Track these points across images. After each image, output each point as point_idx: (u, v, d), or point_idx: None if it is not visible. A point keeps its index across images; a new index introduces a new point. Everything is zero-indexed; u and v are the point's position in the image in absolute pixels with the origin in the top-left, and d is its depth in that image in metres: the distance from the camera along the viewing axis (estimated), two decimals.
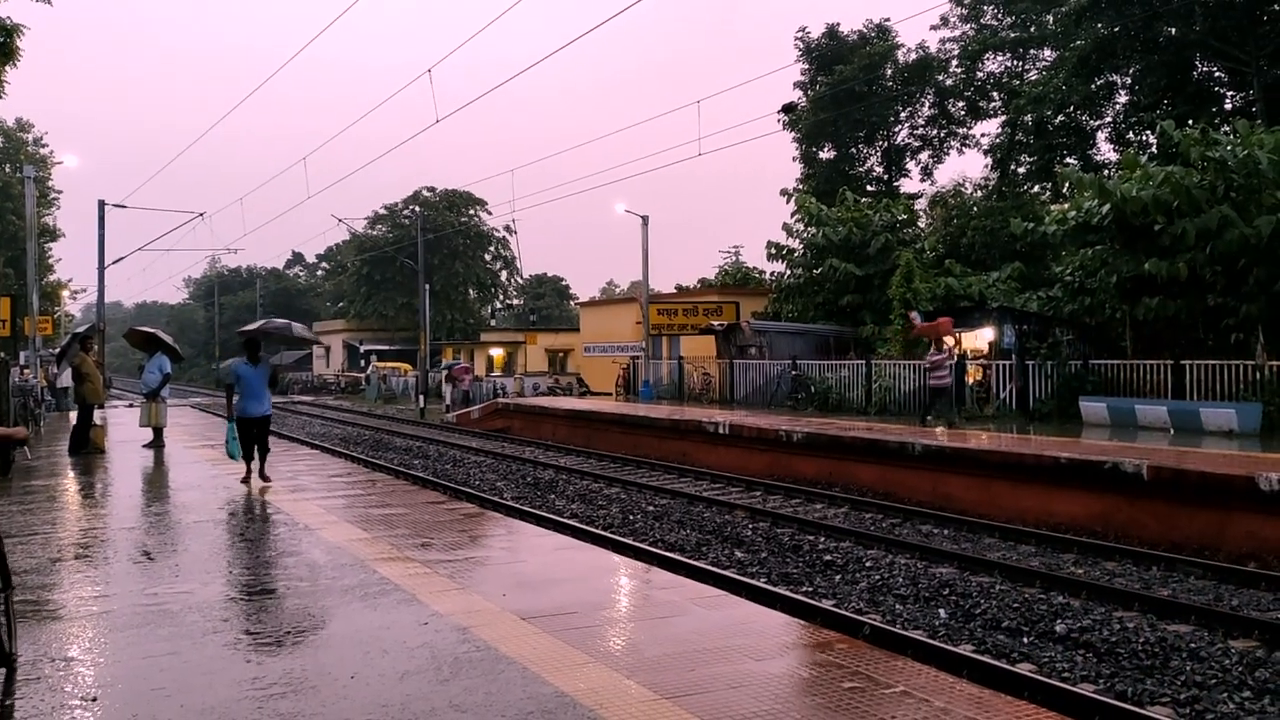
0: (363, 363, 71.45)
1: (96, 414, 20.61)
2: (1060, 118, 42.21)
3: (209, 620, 7.03)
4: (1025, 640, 9.63)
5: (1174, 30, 36.36)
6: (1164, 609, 10.46)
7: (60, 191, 56.10)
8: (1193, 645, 9.27)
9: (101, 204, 38.62)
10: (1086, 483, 15.65)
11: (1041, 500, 16.32)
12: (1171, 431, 20.92)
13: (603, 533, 14.98)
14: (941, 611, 10.67)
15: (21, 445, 7.13)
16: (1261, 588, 11.61)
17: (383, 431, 35.72)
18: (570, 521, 16.02)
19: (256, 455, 14.78)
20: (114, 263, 40.86)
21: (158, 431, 20.43)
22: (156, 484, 15.56)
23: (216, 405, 51.73)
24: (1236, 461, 15.25)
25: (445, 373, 47.70)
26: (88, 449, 19.45)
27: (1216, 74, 37.38)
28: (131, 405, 21.70)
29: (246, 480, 14.72)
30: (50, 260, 54.96)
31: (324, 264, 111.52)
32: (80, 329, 24.02)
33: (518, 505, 17.81)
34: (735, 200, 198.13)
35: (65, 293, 59.32)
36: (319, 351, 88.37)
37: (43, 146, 55.42)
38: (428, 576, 8.40)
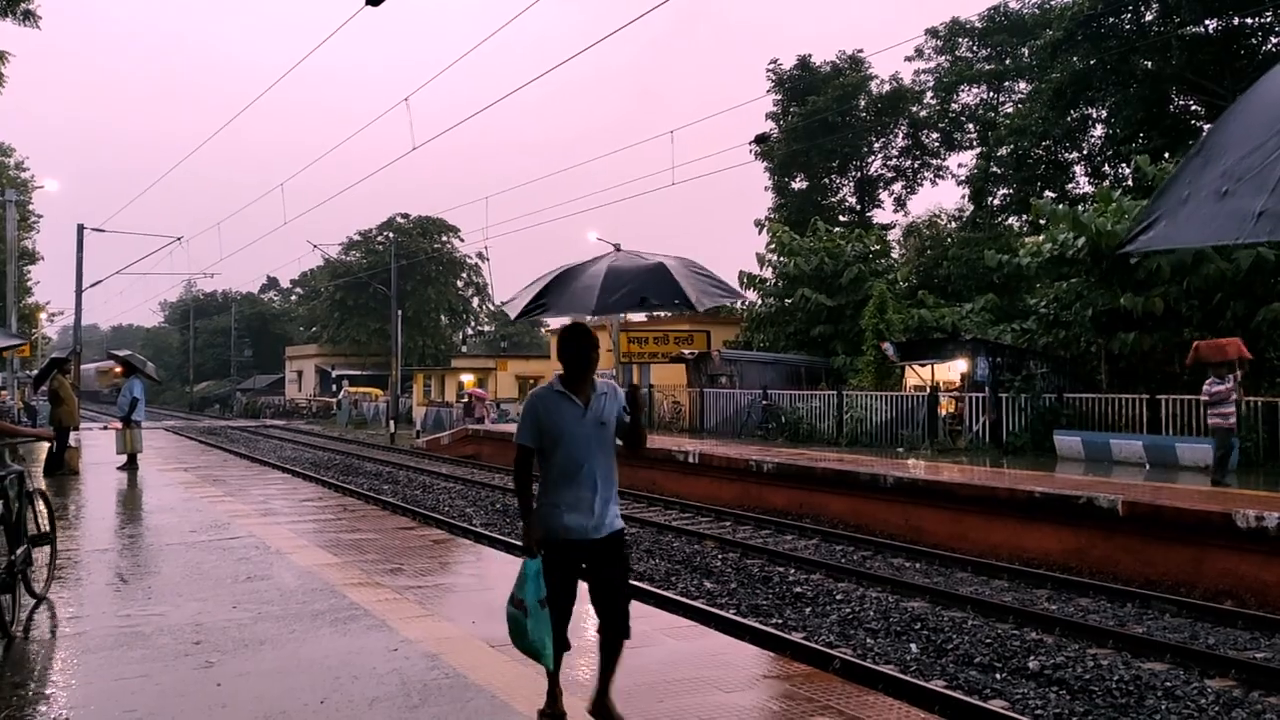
0: (334, 387, 71.22)
1: (71, 436, 20.55)
2: (1038, 150, 42.57)
3: (180, 643, 7.04)
4: (998, 676, 9.60)
5: (1150, 64, 36.78)
6: (1139, 646, 10.41)
7: (40, 215, 55.93)
8: (1168, 684, 9.21)
9: (80, 228, 38.48)
10: (1061, 518, 15.63)
11: (1015, 535, 16.33)
12: (1147, 466, 20.95)
13: None
14: (913, 646, 10.63)
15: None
16: (1238, 626, 11.57)
17: (353, 456, 35.61)
18: None
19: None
20: (91, 286, 40.64)
21: (132, 455, 20.37)
22: (130, 506, 15.50)
23: (190, 428, 51.54)
24: (1212, 497, 15.27)
25: (465, 401, 47.45)
26: (62, 471, 19.40)
27: (1193, 107, 37.83)
28: (106, 428, 21.60)
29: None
30: (29, 283, 54.75)
31: (298, 289, 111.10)
32: (57, 354, 23.95)
33: (487, 532, 17.78)
34: (708, 230, 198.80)
35: (43, 315, 59.06)
36: (291, 376, 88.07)
37: (24, 170, 55.23)
38: (397, 602, 8.42)
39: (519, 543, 16.36)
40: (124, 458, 20.42)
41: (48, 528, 8.97)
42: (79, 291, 39.03)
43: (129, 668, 6.49)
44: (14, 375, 32.00)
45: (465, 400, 47.35)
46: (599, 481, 5.31)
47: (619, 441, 5.50)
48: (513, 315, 5.90)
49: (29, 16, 17.24)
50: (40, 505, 8.93)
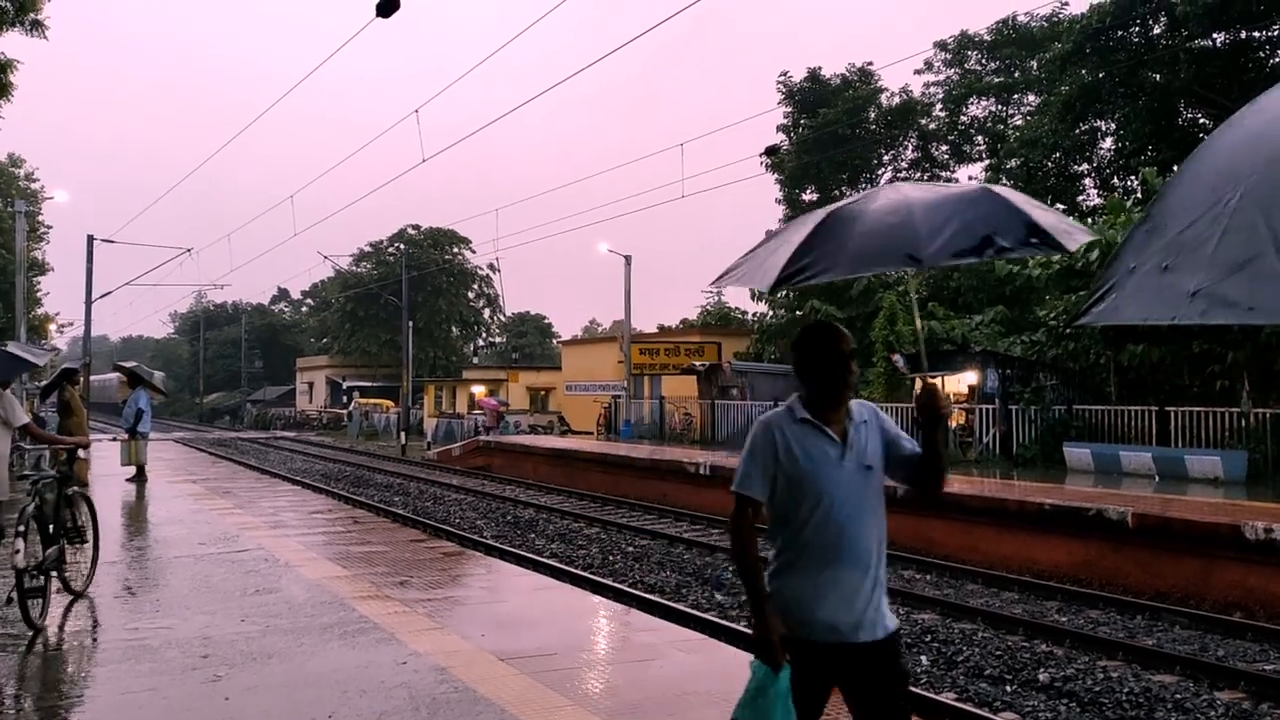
0: (345, 399, 71.27)
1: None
2: (1048, 163, 42.48)
3: (188, 656, 7.01)
4: (1008, 689, 9.57)
5: (1158, 76, 36.71)
6: (1149, 658, 10.38)
7: (50, 226, 56.00)
8: (1178, 696, 9.19)
9: (90, 239, 38.57)
10: (1070, 529, 15.60)
11: (1025, 547, 16.28)
12: (1156, 478, 20.93)
13: (582, 573, 14.93)
14: (924, 658, 10.61)
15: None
16: (1247, 638, 11.53)
17: (364, 468, 35.61)
18: (550, 561, 15.97)
19: None
20: (101, 297, 40.73)
21: (140, 467, 20.33)
22: (138, 518, 15.51)
23: (200, 440, 51.59)
24: (1222, 510, 15.24)
25: (493, 410, 47.21)
26: (71, 483, 19.35)
27: (1201, 120, 37.70)
28: (115, 439, 21.60)
29: None
30: (39, 294, 54.78)
31: (309, 300, 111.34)
32: (68, 364, 23.94)
33: (497, 544, 17.75)
34: (719, 240, 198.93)
35: (52, 326, 59.10)
36: (302, 387, 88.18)
37: (34, 181, 55.36)
38: (407, 615, 8.39)
39: (531, 556, 16.45)
40: (132, 469, 20.38)
41: (88, 529, 9.62)
42: (89, 302, 39.11)
43: (136, 681, 6.47)
44: (23, 386, 32.03)
45: (492, 409, 46.79)
46: (869, 556, 3.73)
47: (895, 484, 3.99)
48: (764, 285, 3.75)
49: (36, 26, 17.22)
50: (84, 508, 9.65)
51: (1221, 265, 2.04)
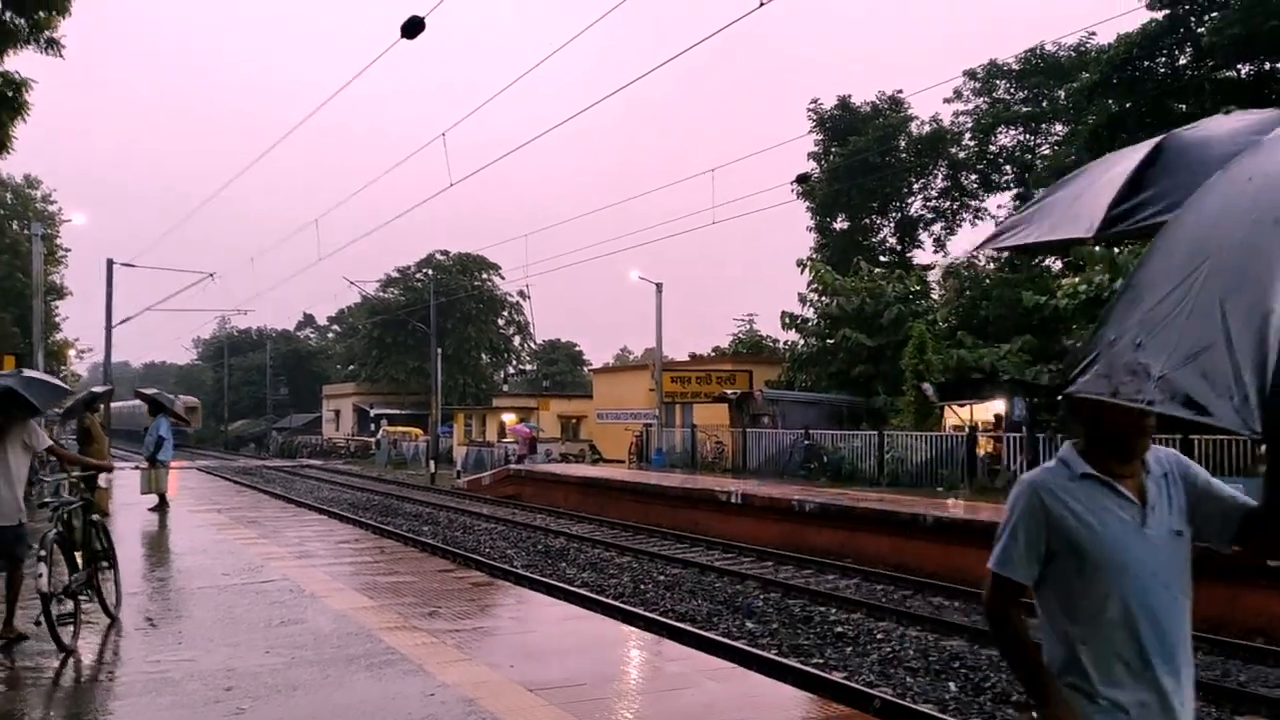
0: (373, 426, 71.40)
1: (101, 477, 20.55)
2: None
3: (211, 689, 6.97)
4: (1035, 715, 9.51)
5: (1184, 107, 36.62)
6: None
7: (68, 249, 56.17)
8: None
9: (110, 263, 38.78)
10: None
11: None
12: None
13: (613, 602, 14.86)
14: (952, 685, 10.59)
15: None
16: (1269, 664, 11.56)
17: (392, 497, 35.64)
18: (580, 591, 15.91)
19: None
20: (122, 322, 40.87)
21: (161, 496, 20.30)
22: (160, 548, 15.50)
23: (225, 468, 51.78)
24: None
25: (525, 438, 46.59)
26: (92, 511, 19.33)
27: None
28: (137, 468, 21.61)
29: None
30: (57, 319, 54.96)
31: (335, 326, 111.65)
32: (96, 388, 23.96)
33: (527, 574, 17.70)
34: (750, 268, 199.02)
35: (72, 351, 59.25)
36: (328, 415, 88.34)
37: (51, 203, 55.60)
38: (435, 646, 8.34)
39: (562, 585, 16.41)
40: (154, 498, 20.34)
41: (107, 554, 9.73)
42: (109, 328, 39.24)
43: (158, 715, 6.43)
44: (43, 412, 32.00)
45: (525, 437, 46.32)
46: (1182, 653, 2.86)
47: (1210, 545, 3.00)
48: (1080, 232, 2.76)
49: (52, 45, 17.22)
50: (104, 536, 9.70)
51: (1180, 351, 1.94)
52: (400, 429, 65.77)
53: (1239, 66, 35.44)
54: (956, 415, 30.55)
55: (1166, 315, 2.01)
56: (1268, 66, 35.15)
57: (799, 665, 10.92)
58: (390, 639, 8.58)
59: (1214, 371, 1.87)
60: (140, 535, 16.88)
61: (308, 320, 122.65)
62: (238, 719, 6.30)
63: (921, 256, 52.87)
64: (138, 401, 26.42)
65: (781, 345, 51.04)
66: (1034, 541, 2.82)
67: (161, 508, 20.09)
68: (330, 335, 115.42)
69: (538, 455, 44.01)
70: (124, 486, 23.33)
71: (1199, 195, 2.16)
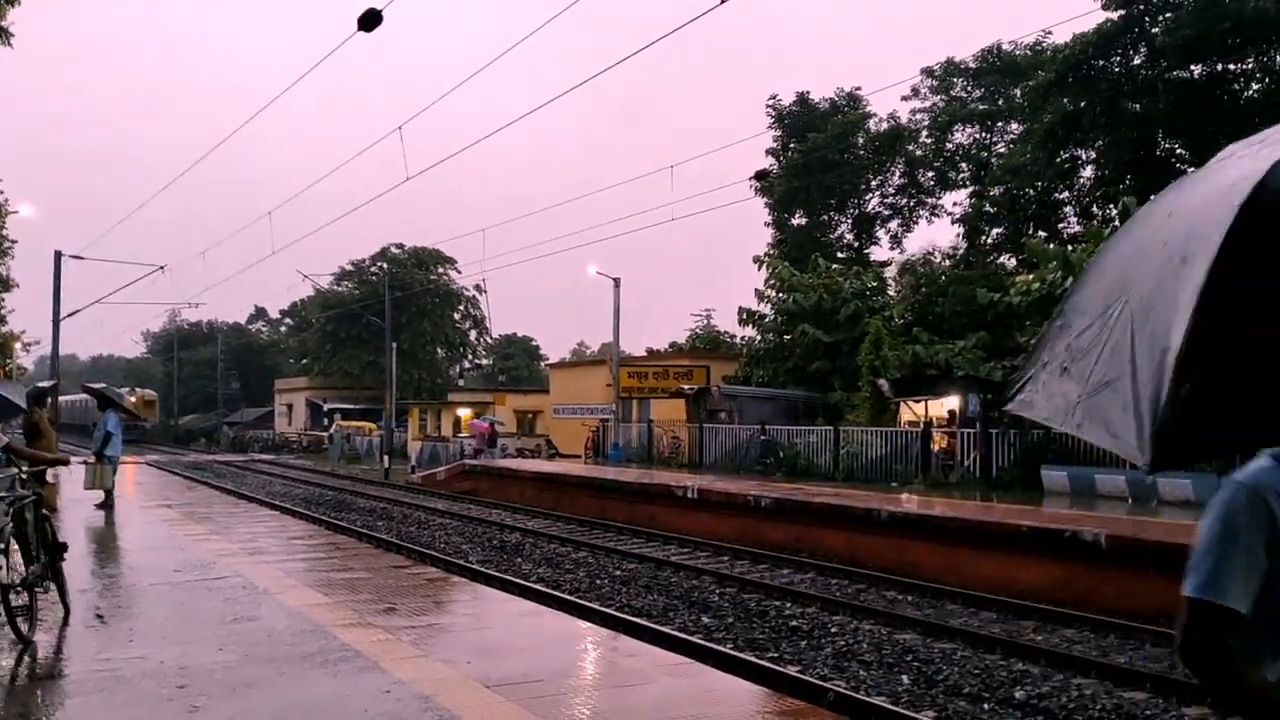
0: (326, 421, 70.89)
1: (49, 472, 20.27)
2: (1030, 190, 42.77)
3: (164, 687, 6.91)
4: (985, 707, 9.72)
5: (1138, 107, 37.09)
6: (1121, 676, 10.58)
7: (14, 241, 55.30)
8: (1149, 713, 9.44)
9: (58, 255, 38.26)
10: (1047, 551, 15.80)
11: (1003, 567, 16.39)
12: (1130, 500, 21.32)
13: (569, 598, 14.88)
14: (904, 678, 10.72)
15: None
16: None
17: (346, 492, 35.46)
18: (537, 586, 15.92)
19: None
20: (70, 315, 40.16)
21: (108, 492, 19.99)
22: (110, 544, 15.31)
23: (175, 463, 51.31)
24: (1191, 531, 15.29)
25: (483, 433, 46.18)
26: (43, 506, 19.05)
27: (1179, 150, 38.10)
28: (85, 462, 21.29)
29: None
30: (3, 311, 54.06)
31: (288, 319, 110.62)
32: (43, 384, 23.62)
33: (483, 569, 17.67)
34: (708, 264, 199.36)
35: (18, 345, 58.29)
36: (280, 409, 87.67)
37: None
38: (390, 643, 8.33)
39: (518, 581, 16.41)
40: (99, 495, 20.02)
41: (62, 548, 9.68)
42: (56, 321, 38.62)
43: (109, 714, 6.37)
44: None
45: (482, 432, 45.97)
46: None
47: None
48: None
49: (2, 34, 16.97)
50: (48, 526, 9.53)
51: (1095, 380, 1.97)
52: (354, 424, 65.35)
53: (1192, 67, 35.93)
54: (911, 411, 30.82)
55: (1089, 345, 2.05)
56: (1220, 67, 35.66)
57: (754, 659, 11.00)
58: (345, 636, 8.55)
59: (1121, 403, 1.91)
60: (89, 531, 16.65)
61: (260, 313, 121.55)
62: (191, 717, 6.26)
63: (879, 253, 53.26)
64: (80, 396, 26.13)
65: (739, 341, 51.23)
66: (1256, 559, 2.17)
67: (107, 504, 19.78)
68: (283, 329, 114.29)
69: (496, 450, 43.91)
70: (71, 482, 23.05)
71: (1129, 225, 2.24)
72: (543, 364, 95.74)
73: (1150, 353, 1.85)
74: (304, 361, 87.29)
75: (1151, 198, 2.22)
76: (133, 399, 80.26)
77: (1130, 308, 1.96)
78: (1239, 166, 1.90)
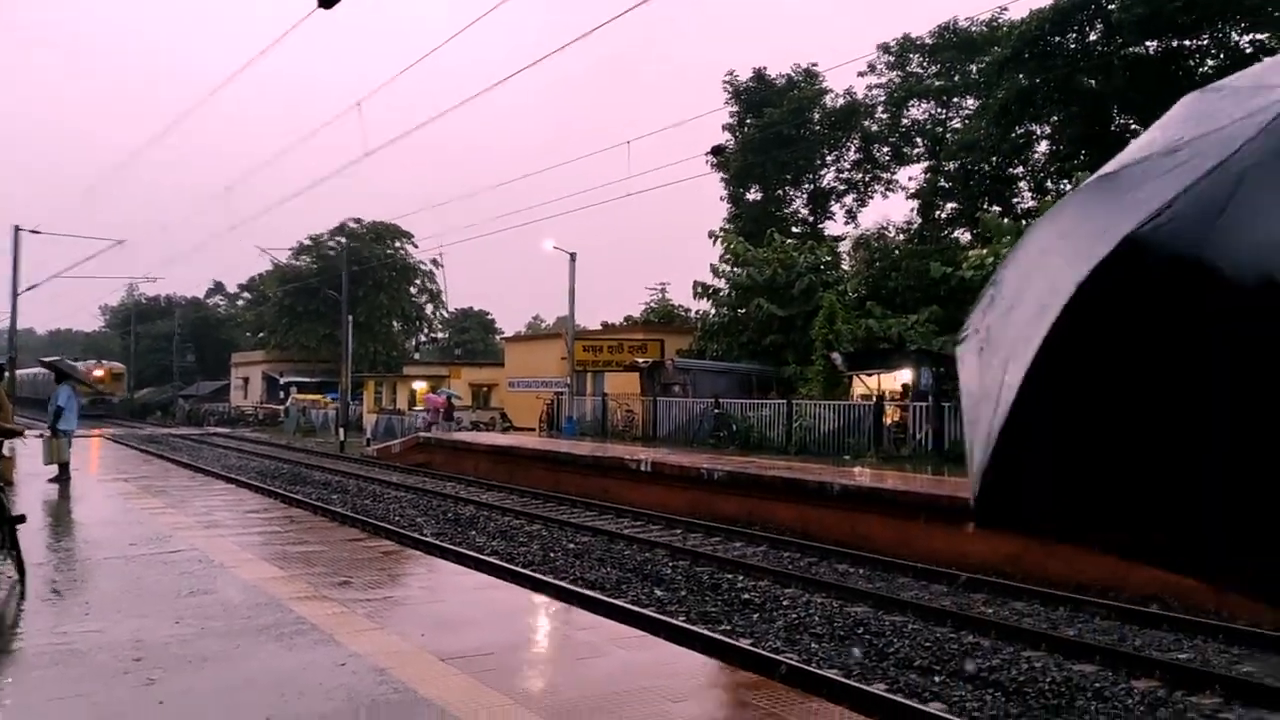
0: (282, 394, 70.46)
1: (5, 445, 20.07)
2: (985, 165, 43.03)
3: (120, 661, 6.93)
4: (936, 679, 9.82)
5: (1093, 82, 37.42)
6: (1070, 649, 10.72)
7: None
8: (1098, 685, 9.54)
9: (16, 229, 37.91)
10: None
11: (955, 542, 16.50)
12: None
13: (523, 571, 14.95)
14: (856, 650, 10.82)
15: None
16: (1163, 629, 11.93)
17: (301, 465, 35.32)
18: (491, 559, 15.97)
19: None
20: (28, 289, 39.91)
21: (63, 465, 19.85)
22: (65, 518, 15.22)
23: (131, 436, 50.84)
24: None
25: (438, 407, 45.85)
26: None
27: (1133, 127, 38.44)
28: (40, 435, 21.06)
29: None
30: None
31: (246, 294, 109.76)
32: None
33: (438, 542, 17.72)
34: (664, 238, 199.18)
35: None
36: (237, 383, 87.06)
37: None
38: (346, 616, 8.37)
39: (472, 554, 16.47)
40: (54, 469, 19.90)
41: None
42: (14, 295, 38.36)
43: (65, 687, 6.37)
44: None
45: (437, 406, 45.78)
46: None
47: None
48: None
49: None
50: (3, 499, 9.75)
51: (986, 385, 1.92)
52: (310, 397, 65.02)
53: (1147, 43, 36.19)
54: (864, 384, 31.04)
55: (993, 338, 1.94)
56: (1175, 43, 35.94)
57: (707, 632, 11.10)
58: (301, 609, 8.58)
59: (985, 433, 1.77)
60: (45, 505, 16.54)
61: (218, 288, 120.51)
62: (148, 690, 6.29)
63: (833, 228, 53.45)
64: (37, 370, 25.94)
65: (693, 315, 51.36)
66: None
67: (62, 478, 19.67)
68: (240, 303, 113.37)
69: (452, 423, 43.83)
70: (28, 456, 22.81)
71: (1045, 220, 1.95)
72: (498, 338, 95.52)
73: (1004, 387, 1.67)
74: (261, 335, 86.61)
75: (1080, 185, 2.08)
76: (99, 372, 79.68)
77: (1014, 322, 1.77)
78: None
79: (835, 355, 30.51)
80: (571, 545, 17.88)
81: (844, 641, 11.21)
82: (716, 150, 46.21)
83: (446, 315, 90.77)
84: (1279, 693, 9.17)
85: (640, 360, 39.35)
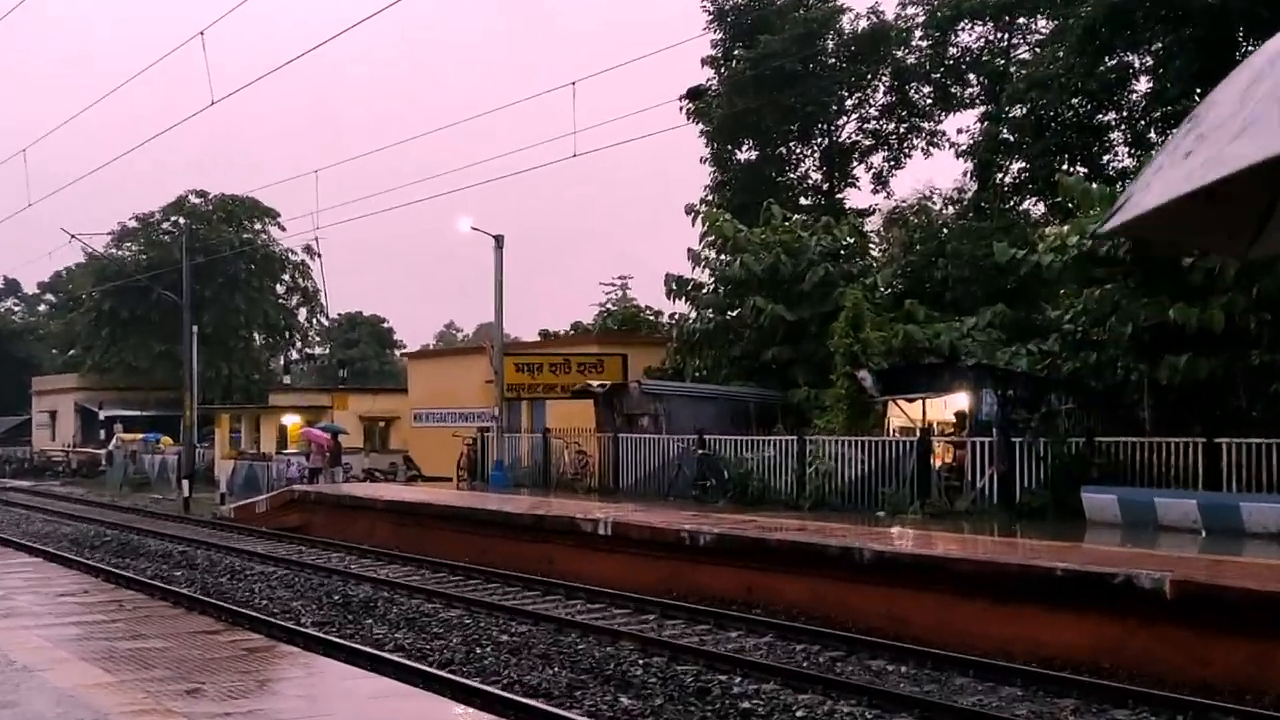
0: (103, 434, 70.03)
1: None
2: (1064, 110, 42.66)
3: None
4: None
5: None
6: None
7: None
8: None
9: None
10: (1090, 602, 15.89)
11: (1030, 626, 16.49)
12: (1203, 533, 21.28)
13: (440, 673, 14.95)
14: None
15: None
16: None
17: (132, 530, 35.16)
18: (394, 657, 15.99)
19: None
20: None
21: None
22: None
23: None
24: None
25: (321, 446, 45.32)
26: None
27: None
28: None
29: None
30: None
31: (49, 295, 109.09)
32: None
33: (321, 635, 17.72)
34: (623, 217, 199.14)
35: None
36: (41, 418, 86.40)
37: None
38: None
39: (369, 650, 16.41)
40: None
41: None
42: None
43: None
44: None
45: (322, 444, 45.40)
46: None
47: None
48: None
49: None
50: None
51: (1235, 128, 2.25)
52: (141, 437, 64.61)
53: None
54: (904, 414, 31.02)
55: (1224, 120, 2.31)
56: None
57: None
58: None
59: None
60: None
61: (11, 287, 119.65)
62: None
63: (856, 198, 53.39)
64: None
65: (666, 321, 51.28)
66: None
67: None
68: (42, 308, 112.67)
69: (338, 471, 43.74)
70: None
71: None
72: (398, 353, 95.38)
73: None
74: (72, 352, 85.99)
75: None
76: None
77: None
78: None
79: (863, 374, 30.47)
80: (505, 638, 17.89)
81: None
82: (694, 93, 46.20)
83: (326, 323, 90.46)
84: None
85: (594, 383, 39.22)
